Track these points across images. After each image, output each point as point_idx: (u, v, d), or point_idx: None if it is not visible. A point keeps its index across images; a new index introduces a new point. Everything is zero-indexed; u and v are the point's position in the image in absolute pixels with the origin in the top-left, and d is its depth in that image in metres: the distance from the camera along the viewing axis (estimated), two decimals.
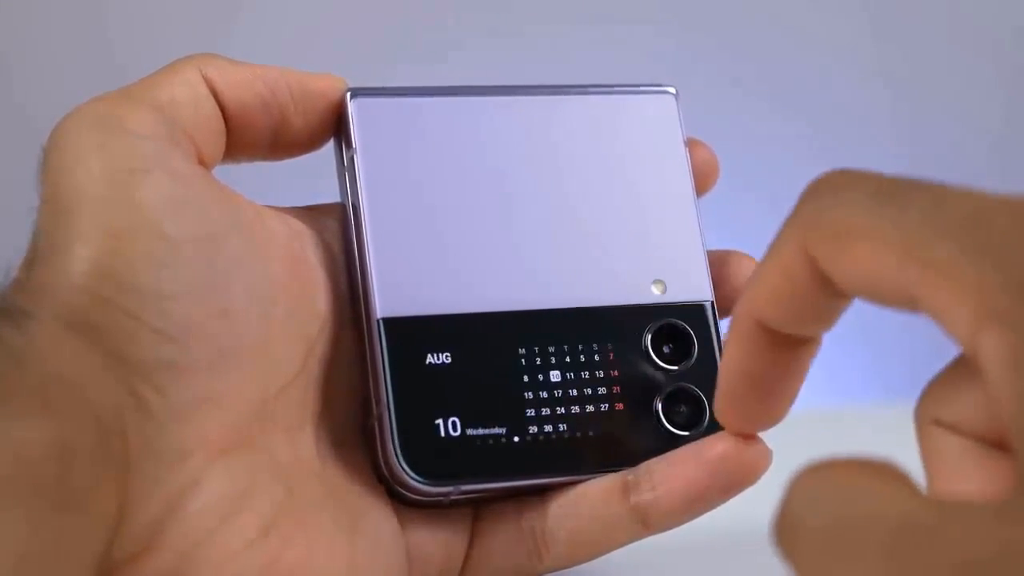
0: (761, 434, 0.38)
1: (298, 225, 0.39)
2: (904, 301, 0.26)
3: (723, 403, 0.33)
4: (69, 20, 0.67)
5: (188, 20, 0.68)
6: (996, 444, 0.26)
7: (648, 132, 0.42)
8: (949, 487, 0.26)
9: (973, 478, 0.26)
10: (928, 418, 0.27)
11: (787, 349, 0.31)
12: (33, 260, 0.34)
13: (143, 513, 0.33)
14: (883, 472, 0.24)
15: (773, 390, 0.32)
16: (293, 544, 0.35)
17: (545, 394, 0.39)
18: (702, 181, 0.43)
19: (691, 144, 0.43)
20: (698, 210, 0.42)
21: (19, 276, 0.34)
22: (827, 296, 0.28)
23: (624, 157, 0.42)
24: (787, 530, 0.23)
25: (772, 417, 0.33)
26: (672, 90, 0.43)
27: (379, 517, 0.38)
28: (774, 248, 0.29)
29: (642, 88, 0.43)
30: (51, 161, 0.35)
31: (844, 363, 0.61)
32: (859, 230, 0.26)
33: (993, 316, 0.23)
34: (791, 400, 0.33)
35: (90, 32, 0.68)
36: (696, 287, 0.41)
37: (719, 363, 0.33)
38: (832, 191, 0.27)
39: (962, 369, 0.26)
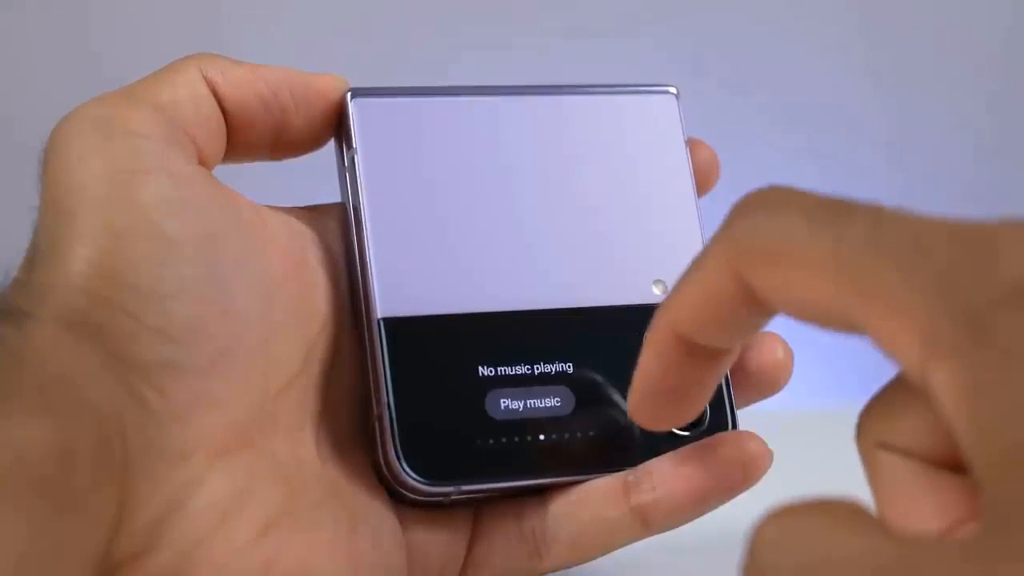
0: (762, 435, 0.38)
1: (298, 225, 0.39)
2: (842, 325, 0.25)
3: (637, 404, 0.33)
4: (71, 19, 0.67)
5: (188, 20, 0.68)
6: (948, 465, 0.25)
7: (649, 132, 0.42)
8: (904, 514, 0.25)
9: (927, 504, 0.25)
10: (873, 442, 0.26)
11: (703, 359, 0.31)
12: (33, 260, 0.34)
13: (143, 513, 0.33)
14: (848, 513, 0.23)
15: (688, 394, 0.32)
16: (293, 544, 0.35)
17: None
18: (703, 181, 0.43)
19: (692, 144, 0.43)
20: (699, 210, 0.42)
21: (19, 276, 0.35)
22: (752, 313, 0.28)
23: (625, 157, 0.42)
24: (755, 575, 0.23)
25: (685, 417, 0.33)
26: (673, 90, 0.43)
27: (379, 517, 0.37)
28: (701, 263, 0.28)
29: (643, 88, 0.43)
30: (52, 161, 0.35)
31: (844, 363, 0.61)
32: (795, 254, 0.26)
33: (941, 346, 0.23)
34: (705, 401, 0.33)
35: (90, 31, 0.68)
36: None
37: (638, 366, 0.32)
38: (765, 210, 0.27)
39: (903, 391, 0.26)
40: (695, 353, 0.30)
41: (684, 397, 0.32)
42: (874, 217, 0.25)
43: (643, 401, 0.32)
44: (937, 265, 0.23)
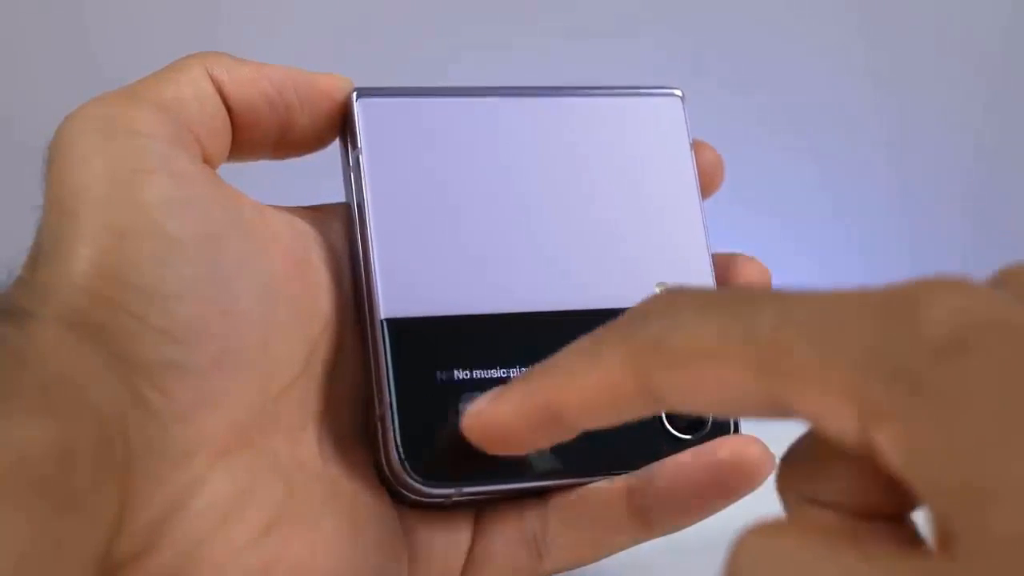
0: (764, 439, 0.38)
1: (302, 225, 0.39)
2: (767, 411, 0.26)
3: (474, 426, 0.33)
4: (70, 19, 0.67)
5: (189, 20, 0.68)
6: (872, 516, 0.26)
7: (653, 134, 0.42)
8: None
9: None
10: (799, 498, 0.27)
11: (563, 431, 0.31)
12: (36, 260, 0.34)
13: (145, 513, 0.33)
14: (824, 532, 0.24)
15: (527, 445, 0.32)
16: (295, 544, 0.35)
17: None
18: (707, 183, 0.43)
19: (696, 146, 0.43)
20: (703, 213, 0.42)
21: (22, 276, 0.35)
22: (644, 411, 0.28)
23: (629, 159, 0.42)
24: None
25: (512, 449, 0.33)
26: (678, 92, 0.43)
27: (380, 518, 0.37)
28: (595, 361, 0.28)
29: (648, 90, 0.43)
30: (55, 160, 0.35)
31: None
32: (707, 354, 0.26)
33: (879, 412, 0.23)
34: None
35: (90, 32, 0.68)
36: None
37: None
38: (666, 315, 0.27)
39: (821, 447, 0.26)
40: (562, 431, 0.31)
41: (521, 445, 0.32)
42: (780, 303, 0.25)
43: (483, 429, 0.32)
44: (859, 337, 0.24)
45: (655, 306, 0.27)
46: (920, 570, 0.22)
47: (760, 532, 0.24)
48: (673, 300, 0.27)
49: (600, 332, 0.29)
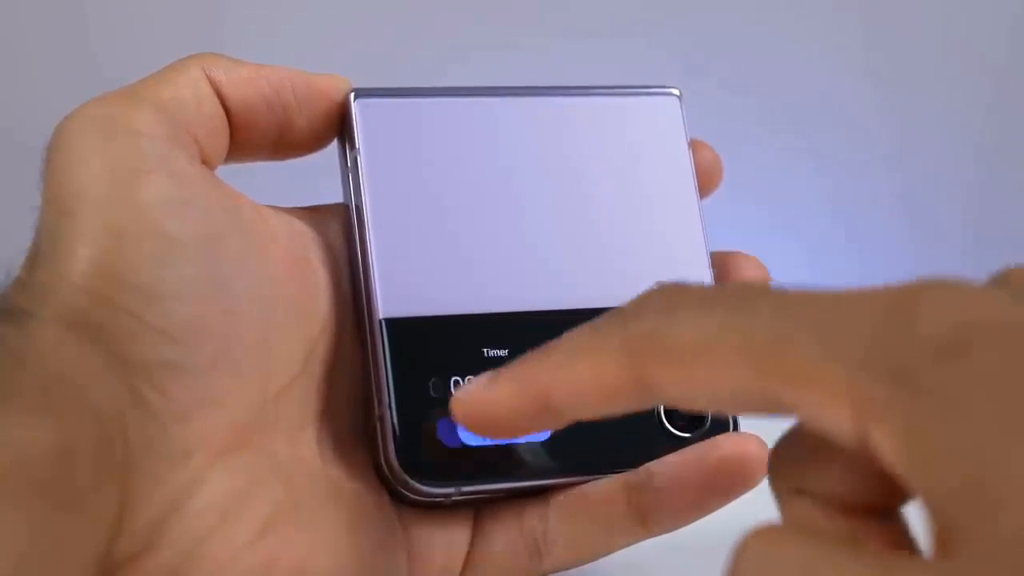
0: (763, 437, 0.38)
1: (300, 225, 0.39)
2: (763, 407, 0.26)
3: (465, 413, 0.32)
4: (70, 19, 0.67)
5: (188, 20, 0.68)
6: (873, 511, 0.26)
7: (652, 133, 0.42)
8: None
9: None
10: (790, 489, 0.27)
11: (551, 420, 0.30)
12: (35, 260, 0.34)
13: (144, 512, 0.33)
14: (825, 534, 0.24)
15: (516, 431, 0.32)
16: (294, 543, 0.35)
17: None
18: (706, 183, 0.43)
19: (694, 145, 0.43)
20: (701, 212, 0.42)
21: (21, 276, 0.34)
22: (637, 405, 0.28)
23: (627, 158, 0.42)
24: None
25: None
26: (676, 92, 0.43)
27: (380, 517, 0.37)
28: (590, 355, 0.28)
29: (646, 89, 0.43)
30: (53, 161, 0.35)
31: None
32: (705, 350, 0.26)
33: (876, 410, 0.23)
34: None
35: (90, 32, 0.68)
36: None
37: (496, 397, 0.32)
38: (664, 311, 0.27)
39: (812, 439, 0.26)
40: (553, 419, 0.30)
41: (508, 431, 0.32)
42: (778, 300, 0.25)
43: (472, 412, 0.32)
44: (858, 336, 0.24)
45: (653, 300, 0.27)
46: (927, 573, 0.22)
47: (762, 536, 0.24)
48: (671, 294, 0.27)
49: (597, 323, 0.29)
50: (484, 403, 0.31)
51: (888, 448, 0.23)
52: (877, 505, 0.26)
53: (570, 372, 0.29)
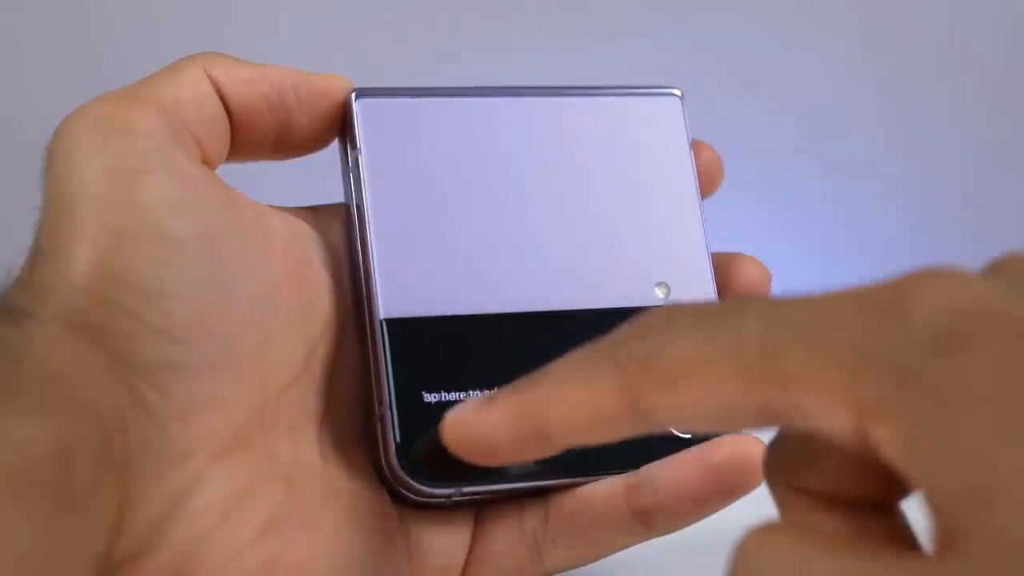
0: (764, 439, 0.38)
1: (301, 225, 0.39)
2: (760, 420, 0.25)
3: (454, 435, 0.32)
4: (71, 19, 0.67)
5: (189, 20, 0.68)
6: (872, 506, 0.26)
7: (653, 134, 0.42)
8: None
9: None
10: (787, 487, 0.27)
11: (544, 447, 0.30)
12: (35, 260, 0.34)
13: (144, 512, 0.33)
14: (826, 534, 0.24)
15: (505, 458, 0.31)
16: (294, 543, 0.35)
17: None
18: (707, 183, 0.43)
19: (696, 146, 0.43)
20: (703, 212, 0.42)
21: (21, 276, 0.35)
22: (631, 431, 0.28)
23: (629, 158, 0.42)
24: None
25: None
26: (677, 92, 0.43)
27: (381, 517, 0.37)
28: (583, 383, 0.28)
29: (647, 90, 0.43)
30: (54, 160, 0.35)
31: None
32: (695, 365, 0.26)
33: (876, 409, 0.23)
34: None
35: (91, 31, 0.68)
36: (700, 290, 0.41)
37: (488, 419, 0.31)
38: (660, 332, 0.27)
39: (807, 437, 0.26)
40: (544, 447, 0.30)
41: (500, 458, 0.31)
42: (767, 308, 0.25)
43: (463, 438, 0.31)
44: (850, 335, 0.24)
45: (651, 323, 0.27)
46: (929, 572, 0.22)
47: (762, 535, 0.24)
48: (671, 317, 0.27)
49: (592, 348, 0.28)
50: (476, 429, 0.30)
51: (890, 448, 0.23)
52: (876, 500, 0.26)
53: (564, 399, 0.28)
